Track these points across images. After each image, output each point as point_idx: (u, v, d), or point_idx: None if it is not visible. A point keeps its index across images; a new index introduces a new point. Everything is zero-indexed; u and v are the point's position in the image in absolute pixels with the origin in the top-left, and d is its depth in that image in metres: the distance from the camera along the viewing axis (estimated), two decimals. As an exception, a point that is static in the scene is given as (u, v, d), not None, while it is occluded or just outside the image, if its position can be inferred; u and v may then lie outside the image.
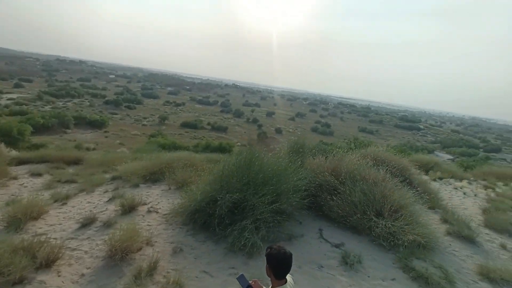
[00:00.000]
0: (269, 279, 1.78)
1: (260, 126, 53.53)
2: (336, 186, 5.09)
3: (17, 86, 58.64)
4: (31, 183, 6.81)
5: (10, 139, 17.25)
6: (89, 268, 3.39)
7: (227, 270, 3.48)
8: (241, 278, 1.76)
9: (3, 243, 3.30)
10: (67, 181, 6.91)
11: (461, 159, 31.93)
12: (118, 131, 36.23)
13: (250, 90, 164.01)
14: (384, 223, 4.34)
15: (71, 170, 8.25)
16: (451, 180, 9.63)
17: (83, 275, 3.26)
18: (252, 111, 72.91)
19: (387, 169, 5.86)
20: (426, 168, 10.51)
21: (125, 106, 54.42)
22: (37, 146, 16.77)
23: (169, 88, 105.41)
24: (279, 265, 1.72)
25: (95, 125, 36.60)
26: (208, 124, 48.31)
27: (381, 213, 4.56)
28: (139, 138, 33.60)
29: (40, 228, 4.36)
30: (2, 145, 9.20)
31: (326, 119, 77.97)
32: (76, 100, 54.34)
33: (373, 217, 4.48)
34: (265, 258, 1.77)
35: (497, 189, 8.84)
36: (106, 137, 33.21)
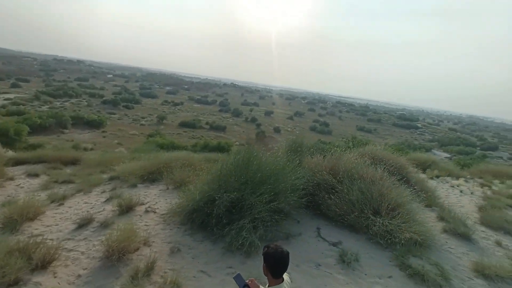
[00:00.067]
0: (266, 278, 1.78)
1: (258, 125, 53.54)
2: (334, 184, 5.10)
3: (14, 86, 58.24)
4: (28, 184, 6.77)
5: (7, 139, 17.16)
6: (86, 269, 3.37)
7: (225, 270, 3.48)
8: (237, 278, 1.76)
9: (-1, 244, 3.28)
10: (64, 182, 6.87)
11: (458, 157, 32.11)
12: (116, 131, 36.10)
13: (248, 89, 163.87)
14: (381, 221, 4.35)
15: (68, 170, 8.22)
16: (448, 178, 9.68)
17: (79, 276, 3.25)
18: (251, 110, 72.87)
19: (384, 167, 5.89)
20: (424, 166, 10.55)
21: (123, 106, 54.20)
22: (34, 147, 16.66)
23: (167, 88, 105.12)
24: (276, 264, 1.73)
25: (93, 125, 36.44)
26: (207, 123, 48.24)
27: (378, 211, 4.58)
28: (137, 138, 33.50)
29: (36, 229, 4.33)
30: (-1, 145, 9.15)
31: (324, 118, 78.05)
32: (73, 100, 54.07)
33: (370, 215, 4.49)
34: (262, 257, 1.78)
35: (494, 187, 8.90)
36: (104, 137, 33.09)
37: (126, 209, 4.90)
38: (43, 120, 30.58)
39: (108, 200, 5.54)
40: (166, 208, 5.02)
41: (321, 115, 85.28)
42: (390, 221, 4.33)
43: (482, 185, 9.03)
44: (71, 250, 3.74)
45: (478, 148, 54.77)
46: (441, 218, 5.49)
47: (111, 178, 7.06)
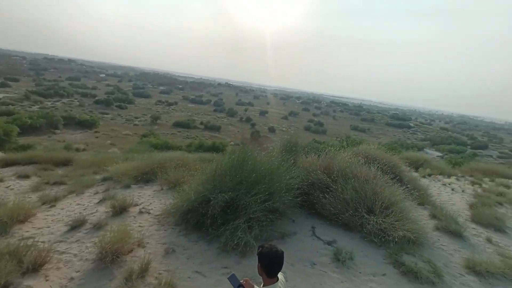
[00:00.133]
0: (261, 278, 1.78)
1: (253, 125, 53.54)
2: (328, 184, 5.14)
3: (3, 85, 56.86)
4: (18, 186, 6.63)
5: (-4, 140, 16.75)
6: (79, 271, 3.32)
7: (220, 270, 3.47)
8: (232, 278, 1.75)
9: (-12, 247, 3.21)
10: (56, 183, 6.75)
11: (449, 156, 32.69)
12: (109, 131, 35.62)
13: (243, 89, 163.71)
14: (375, 219, 4.41)
15: (60, 171, 8.08)
16: (440, 177, 9.85)
17: (72, 278, 3.19)
18: (246, 110, 72.82)
19: (378, 166, 5.96)
20: (416, 165, 10.71)
21: (116, 106, 53.50)
22: (24, 147, 16.31)
23: (161, 87, 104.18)
24: (271, 264, 1.73)
25: (85, 125, 35.87)
26: (201, 123, 48.00)
27: (372, 210, 4.63)
28: (131, 138, 33.11)
29: (27, 231, 4.25)
30: (-13, 146, 8.93)
31: (319, 117, 78.53)
32: (65, 100, 53.12)
33: (364, 214, 4.54)
34: (257, 257, 1.78)
35: (484, 185, 9.09)
36: (97, 137, 32.61)
37: (120, 210, 4.85)
38: (34, 120, 29.96)
39: (101, 201, 5.47)
40: (161, 209, 4.98)
41: (316, 114, 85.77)
42: (383, 220, 4.38)
43: (472, 183, 9.21)
44: (63, 253, 3.68)
45: (469, 147, 55.89)
46: (433, 216, 5.58)
47: (104, 179, 6.97)
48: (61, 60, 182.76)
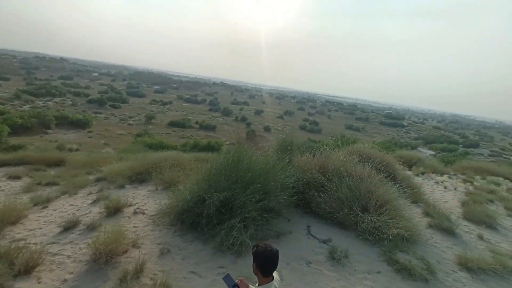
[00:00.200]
0: (256, 277, 1.78)
1: (248, 124, 53.48)
2: (323, 183, 5.17)
3: (-8, 84, 55.70)
4: (9, 187, 6.50)
5: (-14, 140, 16.38)
6: (72, 273, 3.28)
7: (215, 270, 3.46)
8: (227, 278, 1.75)
9: (-22, 250, 3.14)
10: (48, 184, 6.65)
11: (442, 154, 33.20)
12: (103, 131, 35.16)
13: (238, 88, 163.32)
14: (369, 218, 4.45)
15: (52, 172, 7.95)
16: (433, 175, 10.01)
17: (65, 280, 3.15)
18: (241, 109, 72.69)
19: (372, 165, 6.01)
20: (410, 163, 10.86)
21: (109, 105, 52.81)
22: (15, 148, 15.96)
23: (155, 87, 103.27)
24: (266, 263, 1.73)
25: (78, 125, 35.32)
26: (196, 123, 47.74)
27: (366, 208, 4.68)
28: (125, 138, 32.74)
29: (19, 233, 4.17)
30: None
31: (314, 117, 78.86)
32: (57, 99, 52.19)
33: (359, 212, 4.58)
34: (252, 256, 1.78)
35: (475, 183, 9.26)
36: (90, 137, 32.14)
37: (114, 211, 4.80)
38: (25, 120, 29.38)
39: (95, 202, 5.40)
40: (155, 209, 4.94)
41: (311, 114, 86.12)
42: (378, 218, 4.43)
43: (464, 181, 9.38)
44: (56, 254, 3.62)
45: (461, 145, 56.81)
46: (427, 214, 5.67)
47: (98, 179, 6.88)
48: (52, 59, 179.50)
